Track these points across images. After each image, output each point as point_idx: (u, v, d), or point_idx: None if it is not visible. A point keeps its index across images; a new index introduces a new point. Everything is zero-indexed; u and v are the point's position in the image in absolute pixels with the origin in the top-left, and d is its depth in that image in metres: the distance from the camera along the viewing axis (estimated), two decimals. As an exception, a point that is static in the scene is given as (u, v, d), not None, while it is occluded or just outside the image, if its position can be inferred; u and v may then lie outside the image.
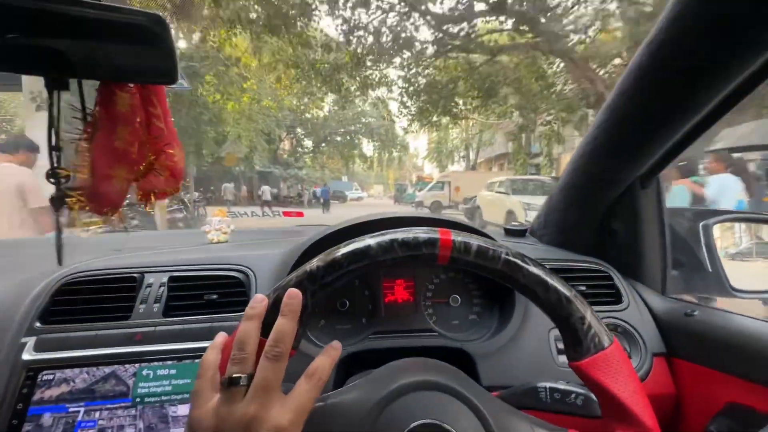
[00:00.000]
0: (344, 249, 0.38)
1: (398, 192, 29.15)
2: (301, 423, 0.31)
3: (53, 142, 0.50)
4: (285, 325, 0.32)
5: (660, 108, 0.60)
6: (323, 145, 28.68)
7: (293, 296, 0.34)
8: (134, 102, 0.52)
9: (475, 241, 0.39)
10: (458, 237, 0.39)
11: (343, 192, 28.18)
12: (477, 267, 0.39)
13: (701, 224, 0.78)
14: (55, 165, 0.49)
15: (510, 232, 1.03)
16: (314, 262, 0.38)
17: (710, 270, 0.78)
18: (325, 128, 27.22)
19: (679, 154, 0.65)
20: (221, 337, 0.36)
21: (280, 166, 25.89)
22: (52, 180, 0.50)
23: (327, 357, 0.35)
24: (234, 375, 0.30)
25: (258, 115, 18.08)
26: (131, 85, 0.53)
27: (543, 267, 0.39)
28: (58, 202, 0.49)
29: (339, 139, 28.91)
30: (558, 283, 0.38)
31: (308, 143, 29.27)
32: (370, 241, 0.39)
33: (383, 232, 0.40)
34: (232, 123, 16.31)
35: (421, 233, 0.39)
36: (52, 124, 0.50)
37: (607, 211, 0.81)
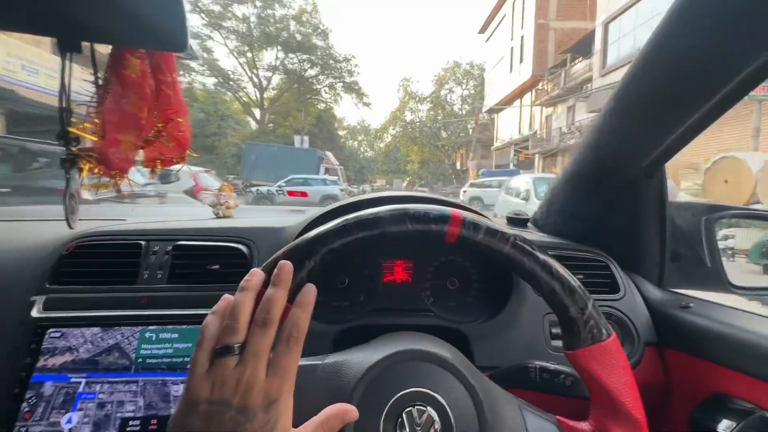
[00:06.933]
0: (357, 215, 0.38)
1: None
2: (287, 385, 0.32)
3: (64, 104, 0.51)
4: (274, 294, 0.33)
5: (667, 98, 0.60)
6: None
7: (283, 268, 0.34)
8: (144, 68, 0.53)
9: (484, 223, 0.39)
10: (468, 216, 0.39)
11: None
12: (485, 248, 0.39)
13: (703, 219, 0.78)
14: (66, 127, 0.50)
15: (512, 221, 1.03)
16: (326, 227, 0.38)
17: (709, 265, 0.78)
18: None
19: (685, 144, 0.65)
20: (224, 301, 0.35)
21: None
22: (61, 141, 0.51)
23: (299, 309, 0.34)
24: (227, 344, 0.31)
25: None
26: (142, 51, 0.53)
27: (550, 255, 0.39)
28: (68, 163, 0.50)
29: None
30: (563, 272, 0.39)
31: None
32: (382, 211, 0.39)
33: (397, 205, 0.40)
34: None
35: (433, 210, 0.39)
36: (64, 86, 0.50)
37: (609, 201, 0.81)
